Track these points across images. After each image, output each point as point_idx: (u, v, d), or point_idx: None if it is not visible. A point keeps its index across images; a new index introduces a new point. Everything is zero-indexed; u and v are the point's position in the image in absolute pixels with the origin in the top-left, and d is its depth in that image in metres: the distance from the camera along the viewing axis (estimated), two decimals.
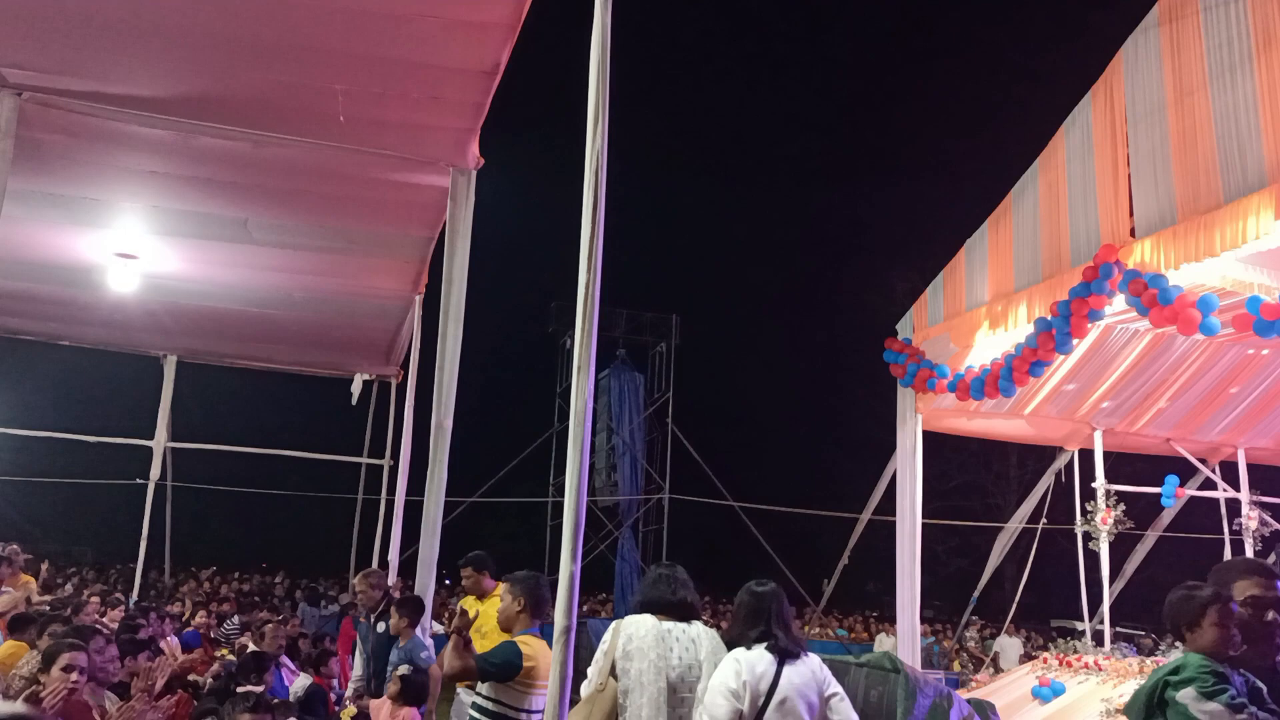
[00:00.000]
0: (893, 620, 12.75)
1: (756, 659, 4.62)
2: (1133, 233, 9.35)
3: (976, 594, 15.23)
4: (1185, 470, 13.84)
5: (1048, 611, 16.41)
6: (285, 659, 9.09)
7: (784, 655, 4.65)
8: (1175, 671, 3.22)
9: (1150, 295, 8.97)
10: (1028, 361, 10.50)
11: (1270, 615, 3.29)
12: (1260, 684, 3.28)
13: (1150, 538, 14.40)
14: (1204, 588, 3.39)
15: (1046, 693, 10.40)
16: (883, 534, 12.99)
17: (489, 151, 8.32)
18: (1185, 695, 3.17)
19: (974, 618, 17.31)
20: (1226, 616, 3.28)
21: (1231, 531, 13.61)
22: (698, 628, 4.99)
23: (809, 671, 4.70)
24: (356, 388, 15.93)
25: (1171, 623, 3.47)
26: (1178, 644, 3.51)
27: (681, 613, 4.97)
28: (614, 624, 4.96)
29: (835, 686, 4.76)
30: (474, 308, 8.27)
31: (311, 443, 16.69)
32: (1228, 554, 13.65)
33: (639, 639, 4.81)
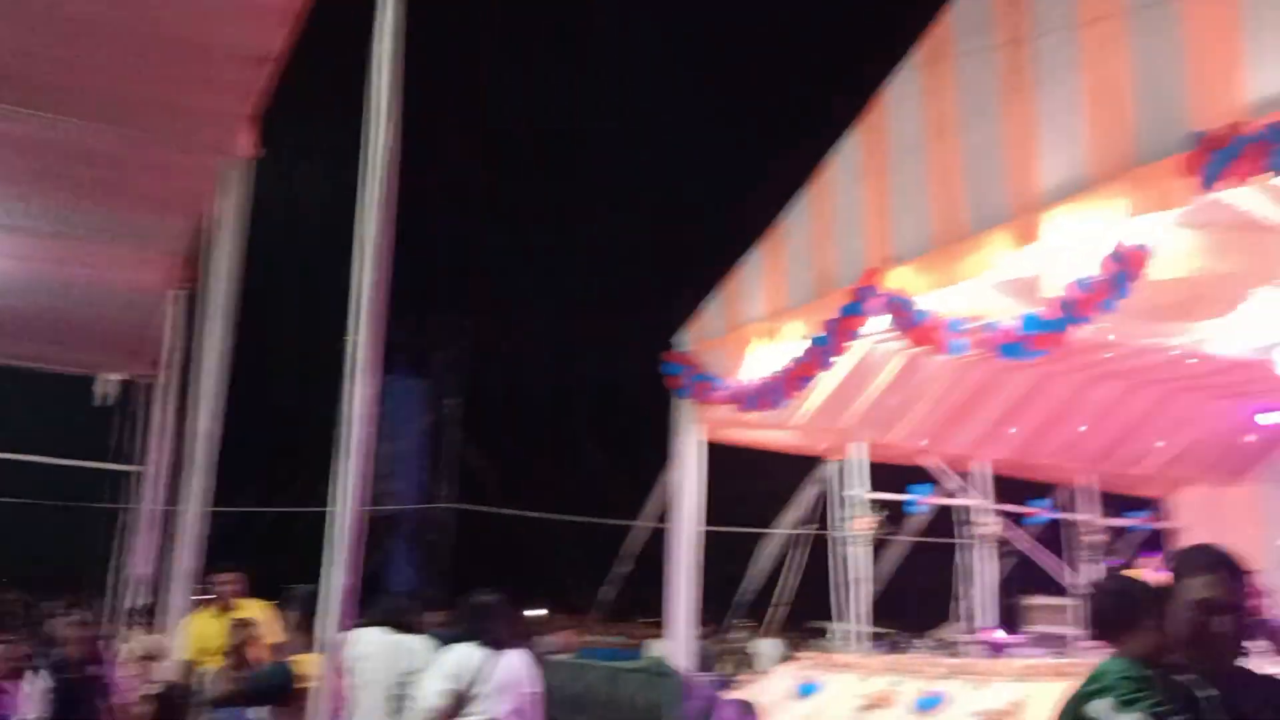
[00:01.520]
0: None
1: (469, 654, 5.71)
2: (893, 259, 10.00)
3: (742, 598, 15.88)
4: (932, 479, 14.89)
5: (807, 614, 17.34)
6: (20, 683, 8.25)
7: (494, 647, 5.76)
8: (1093, 681, 2.77)
9: (905, 317, 9.64)
10: (798, 375, 11.02)
11: (1220, 621, 2.68)
12: (1212, 691, 2.66)
13: (897, 543, 15.41)
14: (1136, 584, 3.02)
15: (805, 690, 10.91)
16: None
17: (281, 142, 7.90)
18: (1098, 708, 2.73)
19: (742, 620, 18.01)
20: (1168, 619, 2.72)
21: (968, 536, 14.78)
22: (417, 639, 6.15)
23: (517, 664, 5.83)
24: (102, 388, 14.67)
25: (1102, 621, 2.99)
26: (1107, 645, 3.01)
27: (406, 626, 6.20)
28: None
29: (538, 684, 5.95)
30: (251, 306, 7.82)
31: (45, 446, 15.21)
32: (974, 559, 14.81)
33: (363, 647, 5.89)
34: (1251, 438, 15.22)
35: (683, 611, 12.32)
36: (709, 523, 13.15)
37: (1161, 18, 7.61)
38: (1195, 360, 11.95)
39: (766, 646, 16.91)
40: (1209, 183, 6.93)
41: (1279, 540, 15.05)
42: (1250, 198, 7.55)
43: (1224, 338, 10.91)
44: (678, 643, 12.28)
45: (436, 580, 25.13)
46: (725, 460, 13.92)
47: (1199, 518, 16.20)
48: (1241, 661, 2.82)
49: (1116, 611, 2.99)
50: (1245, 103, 6.94)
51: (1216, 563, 2.78)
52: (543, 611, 19.90)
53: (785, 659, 14.67)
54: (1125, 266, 8.08)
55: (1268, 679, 2.85)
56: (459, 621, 6.09)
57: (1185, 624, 2.70)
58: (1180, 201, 7.32)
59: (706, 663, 17.57)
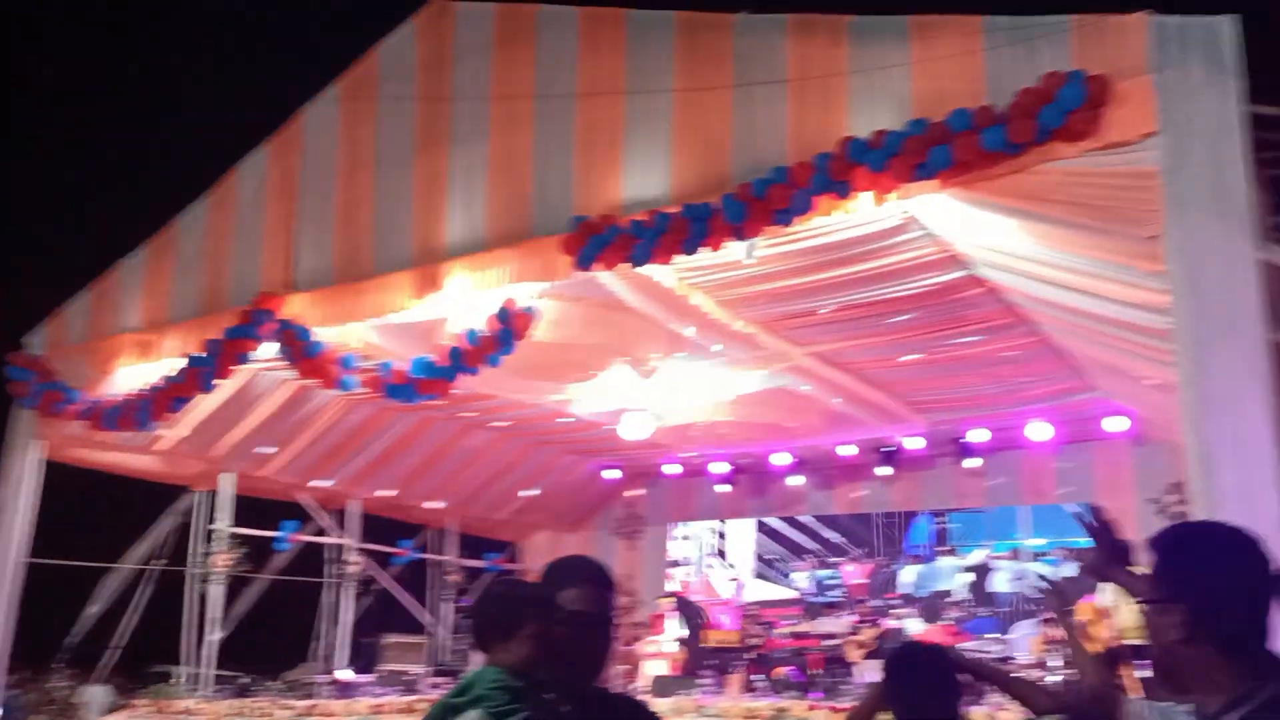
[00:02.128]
0: None
1: None
2: (292, 285, 9.72)
3: (72, 640, 14.05)
4: (303, 515, 14.61)
5: (151, 656, 15.79)
6: None
7: None
8: (463, 691, 2.60)
9: (299, 347, 9.40)
10: (171, 396, 10.15)
11: (587, 635, 2.65)
12: (567, 708, 2.64)
13: (262, 580, 14.83)
14: (525, 588, 2.78)
15: None
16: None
17: None
18: (469, 719, 2.59)
19: (68, 665, 15.88)
20: (548, 630, 2.65)
21: (335, 575, 14.72)
22: None
23: None
24: None
25: (478, 629, 2.75)
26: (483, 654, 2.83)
27: None
28: None
29: None
30: None
31: None
32: (342, 598, 14.70)
33: None
34: (596, 491, 17.32)
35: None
36: (42, 554, 11.45)
37: (561, 107, 8.48)
38: (561, 419, 13.29)
39: (96, 694, 15.09)
40: (584, 263, 7.80)
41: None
42: (615, 282, 8.64)
43: (585, 400, 12.30)
44: None
45: None
46: (67, 483, 12.29)
47: (545, 558, 17.94)
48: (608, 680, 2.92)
49: (493, 618, 2.72)
50: (620, 199, 7.97)
51: (587, 575, 2.75)
52: None
53: (116, 708, 13.23)
54: (511, 326, 8.74)
55: (622, 699, 2.91)
56: None
57: (553, 636, 2.64)
58: (560, 275, 8.14)
59: (16, 714, 15.17)
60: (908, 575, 15.59)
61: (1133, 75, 5.90)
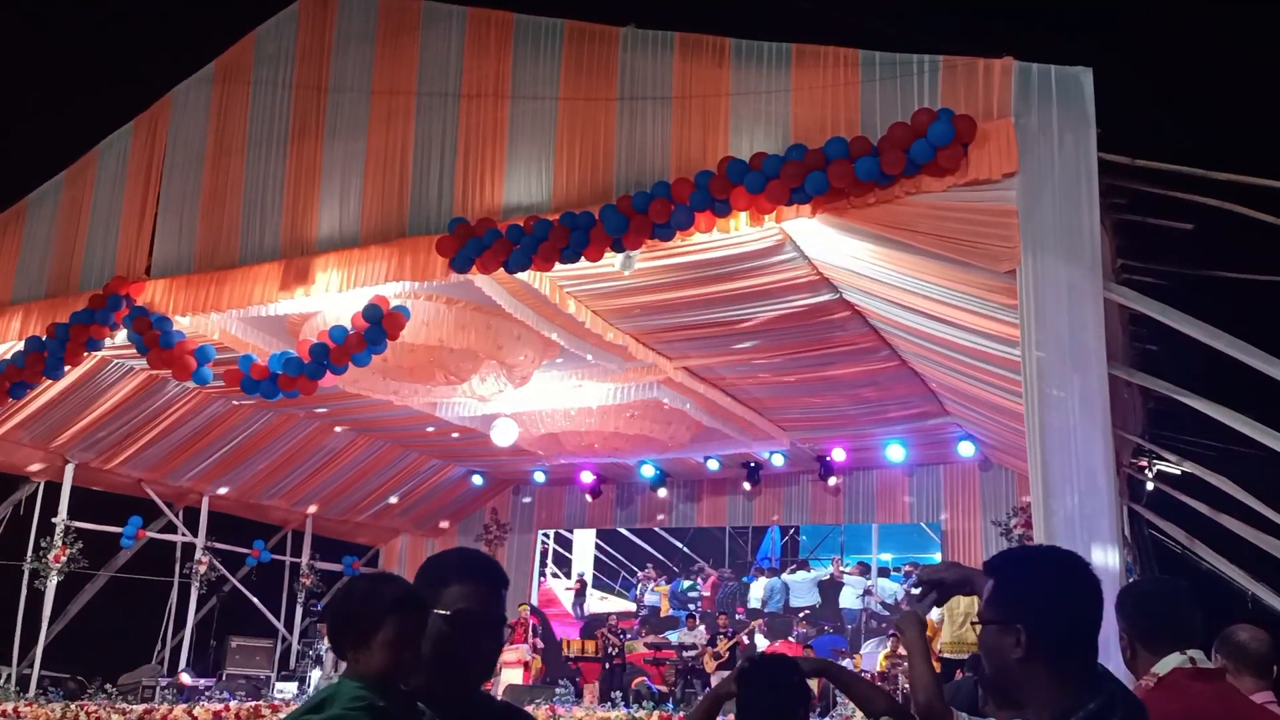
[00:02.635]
0: None
1: None
2: (149, 271, 9.31)
3: None
4: (150, 511, 13.97)
5: None
6: None
7: None
8: (319, 707, 2.21)
9: (153, 336, 9.00)
10: (10, 380, 9.58)
11: (473, 638, 2.32)
12: None
13: (102, 578, 14.12)
14: (387, 583, 2.35)
15: None
16: None
17: None
18: None
19: None
20: (409, 633, 2.26)
21: (183, 575, 14.12)
22: None
23: None
24: None
25: (333, 631, 2.34)
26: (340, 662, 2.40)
27: None
28: None
29: None
30: None
31: None
32: (189, 598, 14.09)
33: None
34: (462, 496, 17.10)
35: None
36: None
37: (444, 107, 8.37)
38: (427, 422, 13.08)
39: None
40: (460, 266, 7.72)
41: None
42: (491, 286, 8.57)
43: (454, 404, 12.14)
44: None
45: None
46: None
47: (406, 565, 17.64)
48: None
49: (350, 618, 2.27)
50: (500, 203, 7.92)
51: (474, 570, 2.38)
52: None
53: None
54: (382, 325, 8.57)
55: (509, 708, 2.58)
56: None
57: (431, 641, 2.24)
58: (435, 276, 8.02)
59: None
60: (757, 589, 15.70)
61: (996, 117, 6.21)
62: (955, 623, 11.59)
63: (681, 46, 7.53)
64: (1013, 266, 6.12)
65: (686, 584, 16.12)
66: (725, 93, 7.21)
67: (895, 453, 13.84)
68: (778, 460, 14.57)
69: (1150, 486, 9.79)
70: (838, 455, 14.36)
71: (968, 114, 6.21)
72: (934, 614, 12.22)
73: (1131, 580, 3.61)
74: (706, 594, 15.91)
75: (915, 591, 2.73)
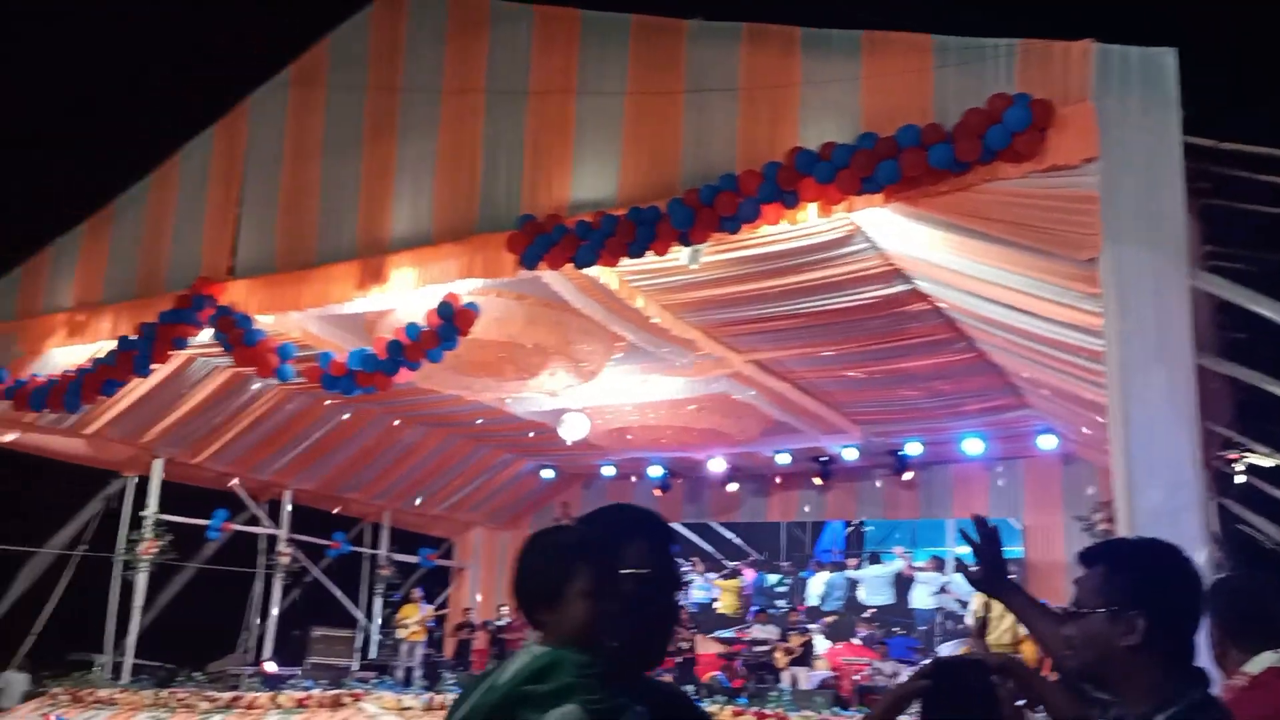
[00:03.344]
0: None
1: None
2: (232, 272, 9.55)
3: None
4: (235, 505, 14.36)
5: (72, 644, 15.35)
6: None
7: None
8: (539, 676, 1.86)
9: (237, 334, 9.24)
10: (102, 379, 9.91)
11: (657, 604, 2.00)
12: (640, 708, 1.94)
13: (190, 569, 14.55)
14: (566, 532, 2.06)
15: None
16: None
17: None
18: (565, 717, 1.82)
19: None
20: (605, 580, 1.94)
21: (266, 566, 14.48)
22: None
23: None
24: None
25: (524, 594, 2.00)
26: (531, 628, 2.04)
27: None
28: None
29: None
30: None
31: None
32: (272, 589, 14.47)
33: None
34: (532, 490, 17.26)
35: None
36: None
37: (512, 104, 8.43)
38: (499, 417, 13.22)
39: (13, 681, 14.69)
40: (529, 263, 7.77)
41: None
42: (559, 282, 8.62)
43: (525, 400, 12.25)
44: None
45: None
46: None
47: (480, 557, 17.89)
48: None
49: (537, 574, 1.97)
50: (568, 199, 7.96)
51: (656, 529, 2.09)
52: None
53: (32, 695, 12.88)
54: (454, 322, 8.68)
55: (673, 689, 2.29)
56: None
57: (615, 599, 1.95)
58: (504, 273, 8.09)
59: None
60: (816, 585, 15.11)
61: (1076, 101, 6.04)
62: (997, 627, 11.08)
63: (749, 37, 7.47)
64: (1094, 254, 5.95)
65: (773, 579, 15.57)
66: (794, 83, 7.13)
67: (973, 446, 13.57)
68: (850, 454, 14.38)
69: (1240, 480, 9.47)
70: (913, 449, 14.14)
71: (1046, 98, 6.05)
72: (970, 619, 11.86)
73: (1221, 576, 3.49)
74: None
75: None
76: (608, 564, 1.95)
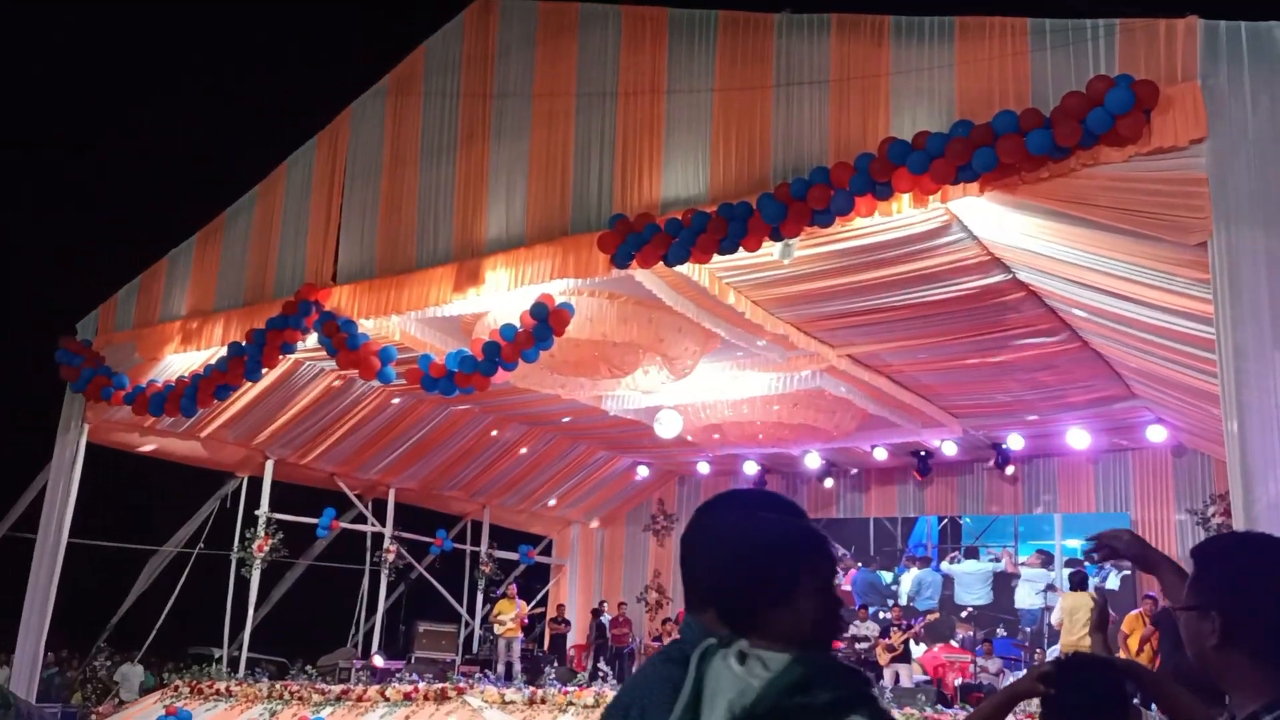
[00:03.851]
0: (12, 649, 11.30)
1: None
2: (335, 277, 9.85)
3: (113, 620, 14.37)
4: (343, 503, 14.79)
5: (191, 638, 16.03)
6: None
7: None
8: (804, 687, 1.60)
9: (341, 338, 9.52)
10: (215, 384, 10.32)
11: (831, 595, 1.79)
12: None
13: (301, 566, 15.04)
14: (794, 527, 1.81)
15: None
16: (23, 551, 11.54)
17: None
18: None
19: (108, 646, 16.19)
20: (830, 577, 1.77)
21: (373, 563, 14.89)
22: None
23: None
24: None
25: (743, 590, 1.73)
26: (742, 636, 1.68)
27: None
28: None
29: None
30: None
31: None
32: (378, 586, 14.88)
33: None
34: (628, 487, 17.37)
35: (31, 633, 10.79)
36: (84, 535, 11.70)
37: (602, 105, 8.51)
38: (593, 415, 13.34)
39: (134, 674, 15.40)
40: (621, 261, 7.83)
41: (642, 577, 17.30)
42: (651, 280, 8.66)
43: (619, 397, 12.34)
44: (22, 669, 10.69)
45: None
46: (112, 467, 12.54)
47: (579, 554, 18.09)
48: None
49: (766, 572, 1.72)
50: (658, 197, 8.00)
51: (787, 506, 1.89)
52: None
53: (154, 688, 13.49)
54: (548, 322, 8.80)
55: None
56: None
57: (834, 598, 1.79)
58: (597, 272, 8.17)
59: (55, 692, 15.52)
60: (905, 582, 14.71)
61: (1181, 80, 5.84)
62: (1075, 628, 10.65)
63: (838, 28, 7.40)
64: (1204, 239, 5.75)
65: (888, 576, 15.23)
66: (885, 72, 7.04)
67: (1079, 438, 13.17)
68: (949, 448, 14.10)
69: None
70: (1015, 442, 13.80)
71: (1149, 79, 5.86)
72: (1054, 616, 11.44)
73: None
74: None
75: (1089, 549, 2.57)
76: (830, 555, 1.78)
